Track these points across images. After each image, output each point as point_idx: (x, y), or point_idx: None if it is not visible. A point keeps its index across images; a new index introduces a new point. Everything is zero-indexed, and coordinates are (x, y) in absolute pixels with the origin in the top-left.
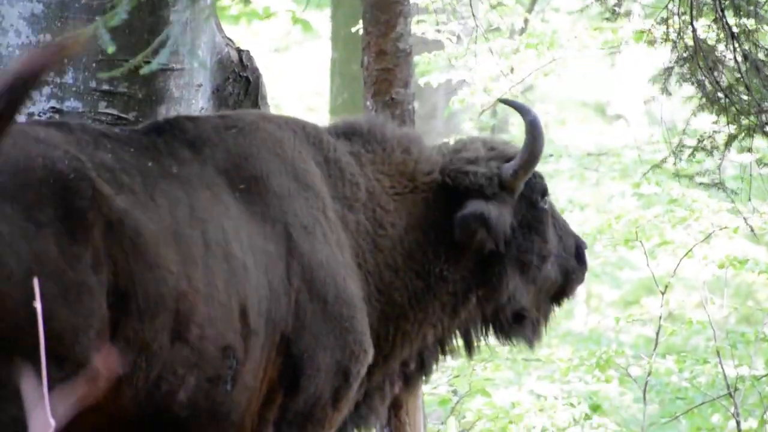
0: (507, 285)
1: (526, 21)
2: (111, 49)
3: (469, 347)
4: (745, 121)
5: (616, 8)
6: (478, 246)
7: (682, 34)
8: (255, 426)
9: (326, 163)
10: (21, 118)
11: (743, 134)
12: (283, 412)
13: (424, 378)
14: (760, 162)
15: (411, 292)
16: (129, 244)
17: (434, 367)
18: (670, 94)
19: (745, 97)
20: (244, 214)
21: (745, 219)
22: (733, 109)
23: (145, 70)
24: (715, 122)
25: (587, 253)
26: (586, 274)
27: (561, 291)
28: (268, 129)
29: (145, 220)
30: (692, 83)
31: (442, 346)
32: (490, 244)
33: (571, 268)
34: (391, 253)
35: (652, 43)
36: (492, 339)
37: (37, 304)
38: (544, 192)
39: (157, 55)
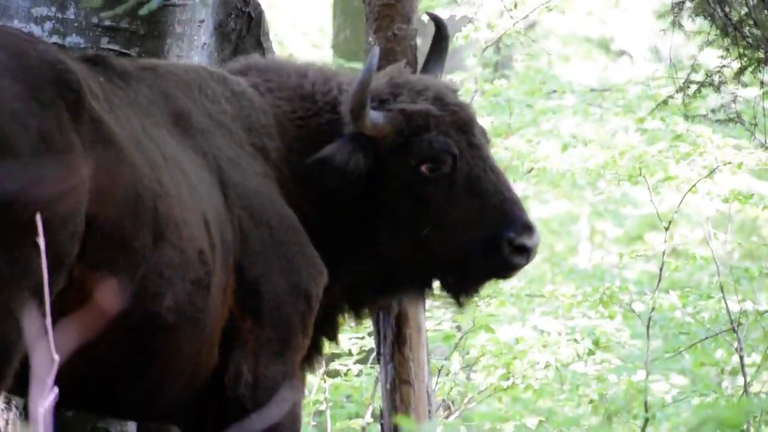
0: (380, 240)
1: None
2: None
3: (358, 303)
4: (754, 55)
5: None
6: (333, 188)
7: None
8: (221, 355)
9: (235, 97)
10: None
11: (753, 66)
12: (259, 342)
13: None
14: (766, 96)
15: (327, 226)
16: (108, 141)
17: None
18: (682, 26)
19: (755, 32)
20: (179, 145)
21: (765, 144)
22: (743, 42)
23: (143, 11)
24: (723, 57)
25: (505, 247)
26: (523, 264)
27: (462, 275)
28: (176, 72)
29: (114, 124)
30: (704, 17)
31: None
32: (344, 188)
33: (470, 255)
34: (307, 181)
35: None
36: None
37: (41, 240)
38: (425, 158)
39: None
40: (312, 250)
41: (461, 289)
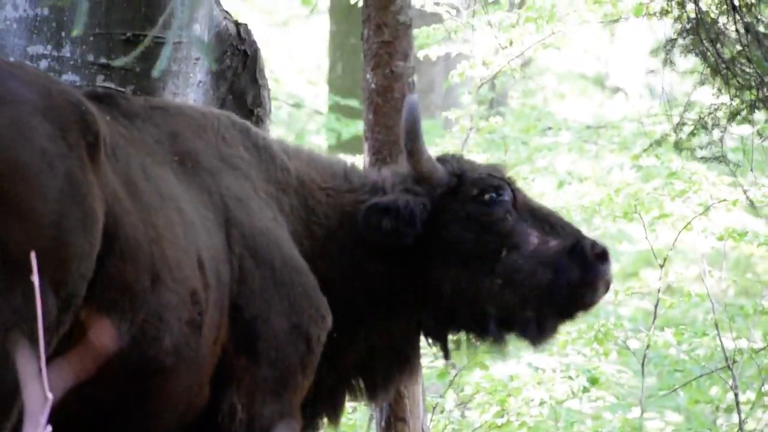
0: (440, 279)
1: None
2: (78, 28)
3: (444, 347)
4: (747, 95)
5: None
6: (388, 236)
7: (684, 6)
8: (214, 395)
9: (256, 149)
10: None
11: (746, 109)
12: (255, 381)
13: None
14: (759, 134)
15: (347, 287)
16: (116, 185)
17: (394, 367)
18: (674, 64)
19: (747, 70)
20: (183, 183)
21: (744, 191)
22: (735, 81)
23: (156, 73)
24: (716, 96)
25: (595, 257)
26: (605, 280)
27: (562, 297)
28: (191, 115)
29: (114, 168)
30: (696, 54)
31: (392, 346)
32: (402, 231)
33: (559, 267)
34: (326, 243)
35: (652, 15)
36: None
37: (35, 278)
38: (486, 187)
39: (166, 33)
40: (318, 294)
41: (542, 323)
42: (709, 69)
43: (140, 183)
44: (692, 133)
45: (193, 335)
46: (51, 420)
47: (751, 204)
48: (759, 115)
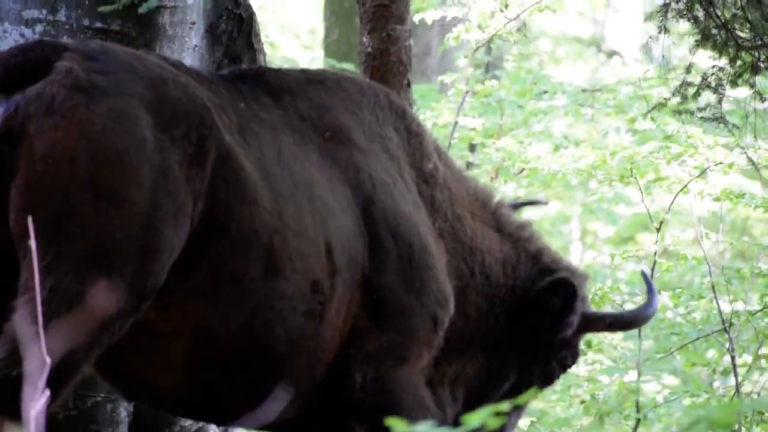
0: (506, 377)
1: None
2: None
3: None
4: (746, 57)
5: None
6: (541, 309)
7: None
8: (343, 362)
9: (407, 132)
10: None
11: (748, 71)
12: (382, 346)
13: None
14: (756, 97)
15: (470, 301)
16: (232, 178)
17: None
18: (668, 31)
19: (743, 34)
20: (326, 159)
21: (745, 152)
22: (732, 43)
23: (143, 9)
24: (714, 59)
25: None
26: None
27: None
28: (349, 89)
29: (244, 158)
30: (688, 19)
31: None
32: (548, 321)
33: None
34: (467, 248)
35: None
36: None
37: (32, 242)
38: (571, 356)
39: None
40: (445, 280)
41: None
42: (700, 34)
43: (273, 169)
44: (696, 94)
45: (311, 324)
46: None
47: (753, 164)
48: (760, 79)
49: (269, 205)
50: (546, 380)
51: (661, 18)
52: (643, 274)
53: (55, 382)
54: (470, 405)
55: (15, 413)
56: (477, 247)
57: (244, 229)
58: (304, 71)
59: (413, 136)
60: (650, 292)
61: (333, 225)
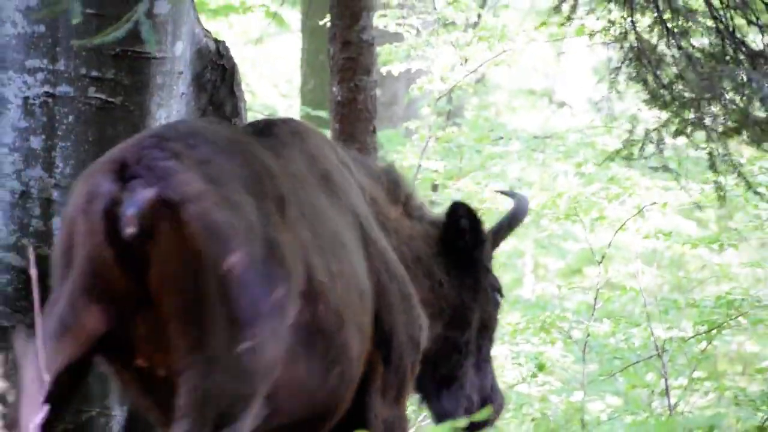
0: (469, 311)
1: (479, 16)
2: (77, 18)
3: None
4: (686, 115)
5: (562, 4)
6: (459, 235)
7: (626, 36)
8: (363, 401)
9: (346, 166)
10: (16, 102)
11: (689, 128)
12: (385, 386)
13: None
14: (690, 145)
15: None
16: (302, 232)
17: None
18: (620, 92)
19: (685, 94)
20: (331, 207)
21: (683, 188)
22: (675, 103)
23: (120, 33)
24: (657, 117)
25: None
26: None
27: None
28: (318, 137)
29: (297, 212)
30: (638, 82)
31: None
32: (475, 235)
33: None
34: (413, 255)
35: (592, 34)
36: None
37: (32, 270)
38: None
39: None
40: (417, 302)
41: (461, 408)
42: (649, 95)
43: (313, 221)
44: (642, 149)
45: (358, 363)
46: None
47: (697, 205)
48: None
49: (323, 257)
50: (493, 306)
51: (612, 80)
52: (503, 192)
53: (241, 427)
54: (449, 363)
55: None
56: (414, 248)
57: (319, 281)
58: (286, 122)
59: (347, 165)
60: (513, 195)
61: (360, 270)
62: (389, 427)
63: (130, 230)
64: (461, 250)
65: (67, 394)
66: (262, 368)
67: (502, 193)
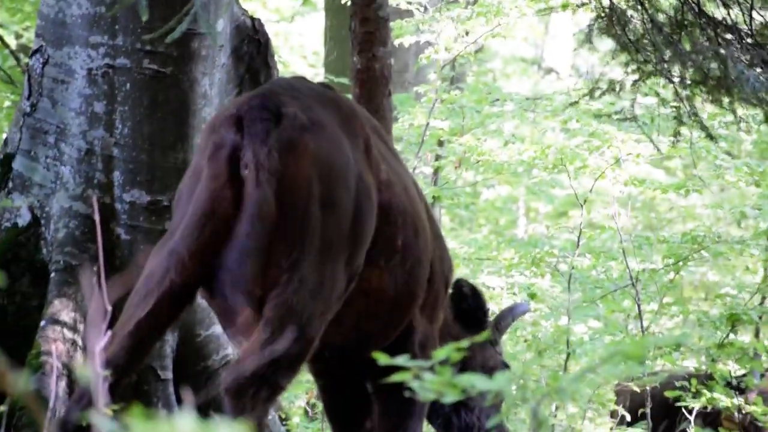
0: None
1: None
2: (145, 16)
3: None
4: (647, 68)
5: None
6: (463, 298)
7: (599, 1)
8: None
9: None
10: (81, 73)
11: (645, 78)
12: (424, 305)
13: None
14: (661, 103)
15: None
16: (382, 169)
17: None
18: (592, 44)
19: (649, 51)
20: (390, 152)
21: (652, 141)
22: (639, 57)
23: (169, 39)
24: (625, 70)
25: None
26: None
27: None
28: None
29: (378, 153)
30: (609, 35)
31: None
32: (472, 302)
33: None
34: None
35: (575, 8)
36: None
37: (96, 216)
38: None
39: (181, 23)
40: (447, 249)
41: None
42: (618, 46)
43: (386, 161)
44: (602, 95)
45: (426, 272)
46: (327, 348)
47: (659, 150)
48: (662, 88)
49: (398, 188)
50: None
51: (587, 34)
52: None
53: (313, 332)
54: None
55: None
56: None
57: (396, 208)
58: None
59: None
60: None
61: (420, 207)
62: (424, 338)
63: (247, 172)
64: (466, 311)
65: (167, 321)
66: (338, 288)
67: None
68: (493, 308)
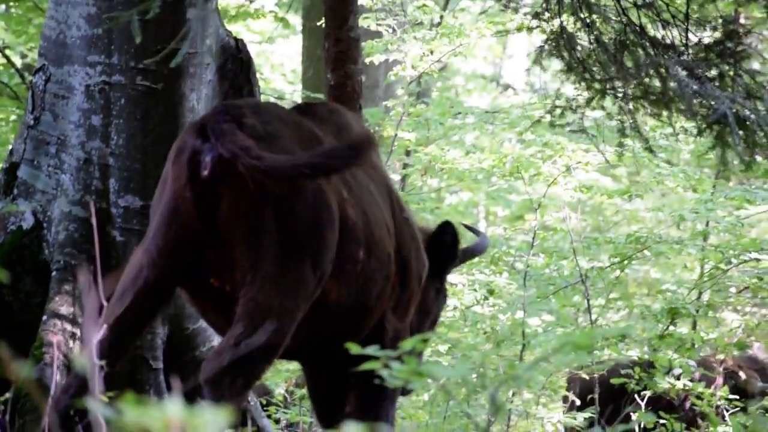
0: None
1: (441, 17)
2: (138, 37)
3: None
4: (596, 86)
5: (506, 5)
6: (441, 247)
7: (551, 24)
8: (384, 314)
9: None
10: (80, 89)
11: (597, 96)
12: (397, 305)
13: None
14: (607, 117)
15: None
16: (340, 184)
17: None
18: (542, 64)
19: (594, 69)
20: (369, 181)
21: (600, 150)
22: (587, 76)
23: (173, 64)
24: (576, 88)
25: None
26: None
27: None
28: (350, 114)
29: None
30: (557, 57)
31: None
32: (447, 254)
33: None
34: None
35: (530, 30)
36: None
37: (93, 220)
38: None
39: (182, 44)
40: (423, 249)
41: None
42: (566, 67)
43: (348, 176)
44: (562, 115)
45: (387, 284)
46: (293, 343)
47: (606, 160)
48: (608, 102)
49: (357, 205)
50: (442, 308)
51: (537, 55)
52: (466, 226)
53: (284, 328)
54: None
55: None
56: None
57: (353, 224)
58: (325, 105)
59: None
60: (478, 233)
61: (385, 211)
62: (396, 335)
63: (206, 173)
64: (439, 259)
65: (146, 316)
66: (304, 289)
67: (469, 228)
68: (455, 303)
